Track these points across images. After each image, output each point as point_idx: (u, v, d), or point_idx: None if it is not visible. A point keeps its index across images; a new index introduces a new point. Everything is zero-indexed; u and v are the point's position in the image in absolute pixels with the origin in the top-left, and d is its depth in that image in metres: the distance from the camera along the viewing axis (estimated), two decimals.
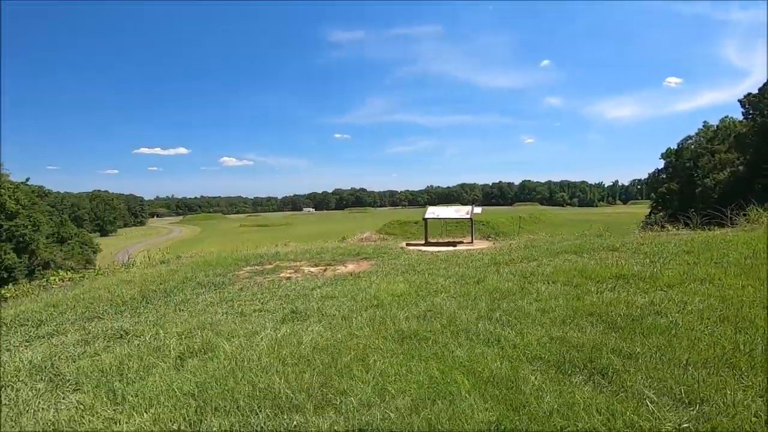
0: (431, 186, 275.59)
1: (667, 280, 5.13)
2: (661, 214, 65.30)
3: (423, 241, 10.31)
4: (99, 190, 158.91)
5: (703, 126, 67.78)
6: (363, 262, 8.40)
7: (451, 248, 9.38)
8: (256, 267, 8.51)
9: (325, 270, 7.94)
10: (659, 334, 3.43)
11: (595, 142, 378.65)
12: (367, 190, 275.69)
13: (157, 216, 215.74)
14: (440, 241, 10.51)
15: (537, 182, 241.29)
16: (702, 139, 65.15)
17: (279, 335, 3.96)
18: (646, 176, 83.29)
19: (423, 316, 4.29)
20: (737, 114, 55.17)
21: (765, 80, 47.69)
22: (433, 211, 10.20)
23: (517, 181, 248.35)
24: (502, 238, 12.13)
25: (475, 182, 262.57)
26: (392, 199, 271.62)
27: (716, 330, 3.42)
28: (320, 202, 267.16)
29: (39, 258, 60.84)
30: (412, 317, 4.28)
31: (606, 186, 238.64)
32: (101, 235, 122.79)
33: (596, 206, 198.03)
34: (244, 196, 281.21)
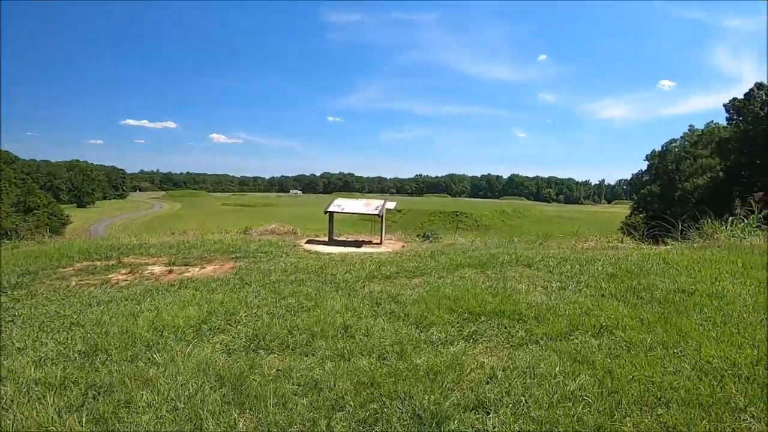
0: (420, 175, 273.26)
1: (555, 326, 3.59)
2: (641, 215, 64.92)
3: (327, 239, 8.69)
4: (78, 160, 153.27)
5: (689, 130, 66.97)
6: (228, 263, 6.75)
7: (354, 249, 7.78)
8: (96, 263, 6.81)
9: (170, 272, 6.27)
10: None
11: (586, 140, 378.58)
12: (356, 175, 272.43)
13: (140, 190, 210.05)
14: (347, 239, 8.88)
15: (525, 177, 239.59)
16: (686, 142, 64.45)
17: None
18: (630, 177, 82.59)
19: (97, 389, 2.63)
20: (724, 120, 54.01)
21: (747, 90, 46.52)
22: (339, 204, 8.54)
23: (505, 175, 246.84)
24: (431, 239, 10.59)
25: (465, 173, 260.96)
26: (380, 185, 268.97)
27: None
28: (308, 184, 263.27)
29: (1, 227, 58.14)
30: (75, 396, 2.60)
31: (593, 185, 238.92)
32: (78, 207, 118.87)
33: (581, 204, 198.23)
34: (231, 175, 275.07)
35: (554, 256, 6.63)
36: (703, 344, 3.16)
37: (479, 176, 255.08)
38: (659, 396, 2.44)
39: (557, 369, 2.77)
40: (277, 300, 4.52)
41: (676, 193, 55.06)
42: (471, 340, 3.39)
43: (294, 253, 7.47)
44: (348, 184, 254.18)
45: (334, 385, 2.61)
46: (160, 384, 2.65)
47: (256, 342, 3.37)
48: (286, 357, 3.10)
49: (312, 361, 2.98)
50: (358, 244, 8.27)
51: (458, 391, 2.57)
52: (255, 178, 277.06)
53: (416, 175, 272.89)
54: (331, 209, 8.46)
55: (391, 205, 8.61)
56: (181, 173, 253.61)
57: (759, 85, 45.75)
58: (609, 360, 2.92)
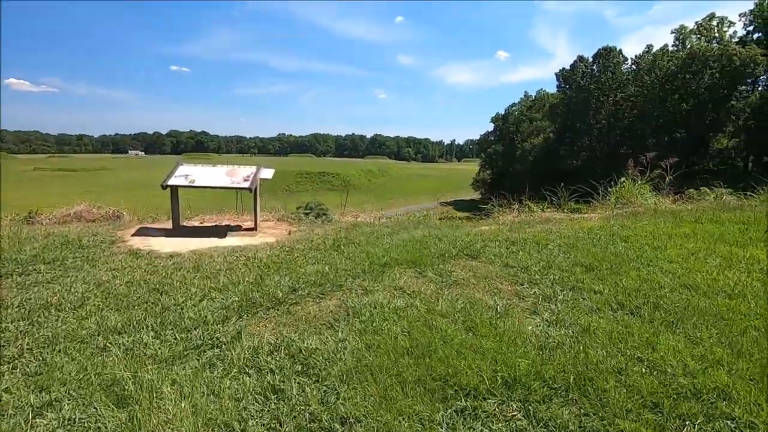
0: (283, 134, 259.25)
1: (636, 410, 1.94)
2: (488, 172, 72.38)
3: (171, 225, 5.80)
4: None
5: (524, 96, 75.67)
6: None
7: (215, 242, 5.13)
8: None
9: None
10: None
11: (440, 102, 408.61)
12: (210, 134, 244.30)
13: None
14: (203, 224, 6.12)
15: (387, 137, 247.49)
16: (523, 107, 72.71)
17: None
18: (478, 137, 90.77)
19: None
20: (552, 88, 62.00)
21: (572, 62, 53.84)
22: (187, 174, 5.66)
23: (369, 135, 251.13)
24: (319, 213, 8.42)
25: (329, 133, 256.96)
26: (240, 145, 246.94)
27: None
28: (151, 144, 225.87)
29: None
30: None
31: (445, 144, 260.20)
32: None
33: (436, 162, 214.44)
34: (43, 132, 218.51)
35: (492, 238, 5.18)
36: None
37: (344, 136, 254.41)
38: None
39: None
40: (28, 418, 1.93)
41: (517, 152, 62.16)
42: None
43: (108, 258, 4.50)
44: (201, 144, 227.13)
45: None
46: None
47: None
48: None
49: None
50: (220, 232, 5.61)
51: None
52: (80, 137, 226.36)
53: (279, 135, 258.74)
54: (173, 182, 5.52)
55: (267, 173, 6.05)
56: None
57: (581, 58, 53.09)
58: None
